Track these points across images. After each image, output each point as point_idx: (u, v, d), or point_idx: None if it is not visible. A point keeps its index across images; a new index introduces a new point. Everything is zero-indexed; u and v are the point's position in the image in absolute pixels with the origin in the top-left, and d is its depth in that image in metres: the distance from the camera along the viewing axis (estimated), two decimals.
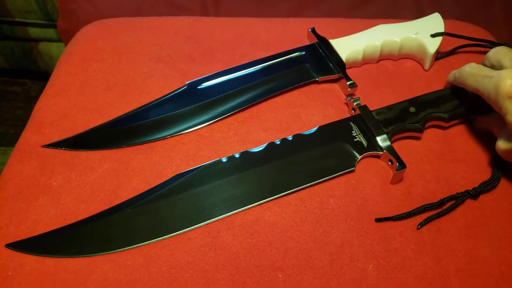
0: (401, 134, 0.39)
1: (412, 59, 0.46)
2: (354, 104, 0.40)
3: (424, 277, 0.32)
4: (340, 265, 0.32)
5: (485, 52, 0.47)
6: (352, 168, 0.36)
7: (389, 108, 0.39)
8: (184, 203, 0.35)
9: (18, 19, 1.07)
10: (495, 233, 0.34)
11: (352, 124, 0.39)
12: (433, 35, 0.44)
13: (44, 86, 0.45)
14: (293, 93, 0.43)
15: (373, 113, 0.39)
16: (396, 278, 0.31)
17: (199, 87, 0.42)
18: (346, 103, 0.42)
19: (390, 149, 0.37)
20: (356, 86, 0.42)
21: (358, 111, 0.39)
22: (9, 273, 0.31)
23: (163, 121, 0.40)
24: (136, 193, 0.36)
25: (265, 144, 0.38)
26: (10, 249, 0.32)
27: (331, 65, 0.43)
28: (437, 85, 0.44)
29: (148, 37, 0.49)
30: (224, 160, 0.37)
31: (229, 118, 0.41)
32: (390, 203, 0.36)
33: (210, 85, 0.42)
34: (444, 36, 0.44)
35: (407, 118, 0.39)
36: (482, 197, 0.36)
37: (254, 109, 0.42)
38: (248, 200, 0.35)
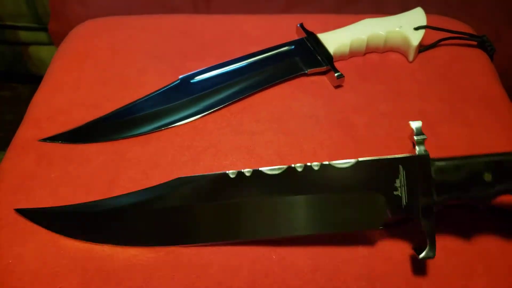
0: (455, 202, 0.31)
1: (397, 51, 0.48)
2: (415, 140, 0.31)
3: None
4: (332, 246, 0.33)
5: (466, 45, 0.49)
6: (377, 228, 0.31)
7: (457, 166, 0.30)
8: (180, 218, 0.32)
9: (8, 23, 1.07)
10: None
11: (401, 169, 0.31)
12: (416, 28, 0.46)
13: (35, 90, 0.45)
14: (283, 85, 0.45)
15: (433, 166, 0.31)
16: (386, 257, 0.33)
17: (192, 81, 0.44)
18: (410, 139, 0.32)
19: (430, 228, 0.30)
20: (344, 77, 0.43)
21: (415, 151, 0.31)
22: (10, 261, 0.32)
23: (157, 114, 0.41)
24: (133, 183, 0.37)
25: (284, 167, 0.32)
26: (20, 214, 0.34)
27: (319, 58, 0.45)
28: (421, 76, 0.46)
29: (142, 34, 0.50)
30: (232, 176, 0.32)
31: (222, 110, 0.42)
32: None
33: (202, 78, 0.44)
34: (426, 29, 0.46)
35: (475, 188, 0.30)
36: None
37: (247, 101, 0.43)
38: (246, 235, 0.32)
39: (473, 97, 0.44)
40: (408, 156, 0.31)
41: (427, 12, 0.48)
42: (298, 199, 0.31)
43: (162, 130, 0.40)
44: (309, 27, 0.48)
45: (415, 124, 0.32)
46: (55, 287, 0.31)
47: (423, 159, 0.31)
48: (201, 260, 0.33)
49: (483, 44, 0.48)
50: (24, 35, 1.10)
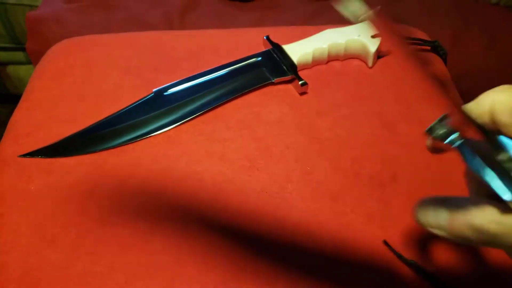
0: None
1: (358, 58, 0.51)
2: None
3: (373, 244, 0.36)
4: (299, 241, 0.36)
5: (421, 50, 0.53)
6: None
7: None
8: None
9: None
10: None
11: None
12: (373, 36, 0.49)
13: (14, 110, 0.47)
14: (252, 94, 0.47)
15: None
16: (348, 247, 0.36)
17: (165, 93, 0.46)
18: None
19: None
20: (307, 84, 0.46)
21: None
22: None
23: (132, 126, 0.43)
24: (111, 192, 0.39)
25: None
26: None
27: (284, 67, 0.48)
28: (379, 80, 0.49)
29: (116, 51, 0.52)
30: None
31: (195, 120, 0.45)
32: (342, 185, 0.40)
33: (175, 91, 0.46)
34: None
35: None
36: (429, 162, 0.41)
37: (218, 110, 0.46)
38: None
39: (428, 97, 0.47)
40: None
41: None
42: None
43: (137, 141, 0.43)
44: (275, 39, 0.51)
45: None
46: None
47: None
48: (179, 261, 0.35)
49: (436, 49, 0.52)
50: (1, 56, 1.11)
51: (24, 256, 0.34)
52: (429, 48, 0.53)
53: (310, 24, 0.88)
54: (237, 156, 0.42)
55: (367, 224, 0.37)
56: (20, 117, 0.45)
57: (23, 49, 1.08)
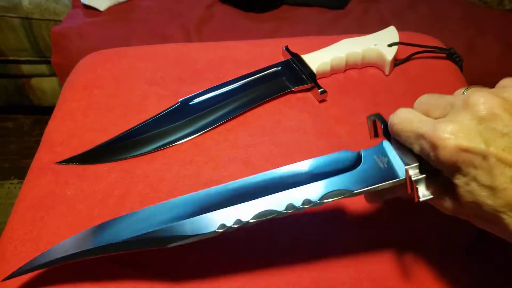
0: None
1: (374, 66, 0.53)
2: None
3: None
4: (321, 245, 0.37)
5: (436, 57, 0.54)
6: None
7: None
8: None
9: (11, 58, 1.13)
10: None
11: None
12: (389, 45, 0.51)
13: (36, 121, 0.50)
14: (272, 102, 0.49)
15: None
16: (370, 268, 0.37)
17: (190, 103, 0.48)
18: None
19: None
20: (326, 92, 0.48)
21: None
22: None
23: (161, 134, 0.46)
24: (142, 197, 0.41)
25: None
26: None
27: (304, 76, 0.50)
28: (396, 88, 0.51)
29: (142, 63, 0.55)
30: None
31: (219, 127, 0.47)
32: None
33: (200, 100, 0.48)
34: (399, 45, 0.52)
35: None
36: None
37: (240, 118, 0.48)
38: None
39: None
40: None
41: (405, 29, 0.54)
42: None
43: (165, 148, 0.45)
44: (293, 49, 0.53)
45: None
46: None
47: None
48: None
49: (451, 56, 0.53)
50: (26, 68, 1.16)
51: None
52: (444, 55, 0.54)
53: (324, 33, 0.90)
54: (260, 161, 0.44)
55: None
56: (54, 126, 0.48)
57: (46, 62, 1.12)
